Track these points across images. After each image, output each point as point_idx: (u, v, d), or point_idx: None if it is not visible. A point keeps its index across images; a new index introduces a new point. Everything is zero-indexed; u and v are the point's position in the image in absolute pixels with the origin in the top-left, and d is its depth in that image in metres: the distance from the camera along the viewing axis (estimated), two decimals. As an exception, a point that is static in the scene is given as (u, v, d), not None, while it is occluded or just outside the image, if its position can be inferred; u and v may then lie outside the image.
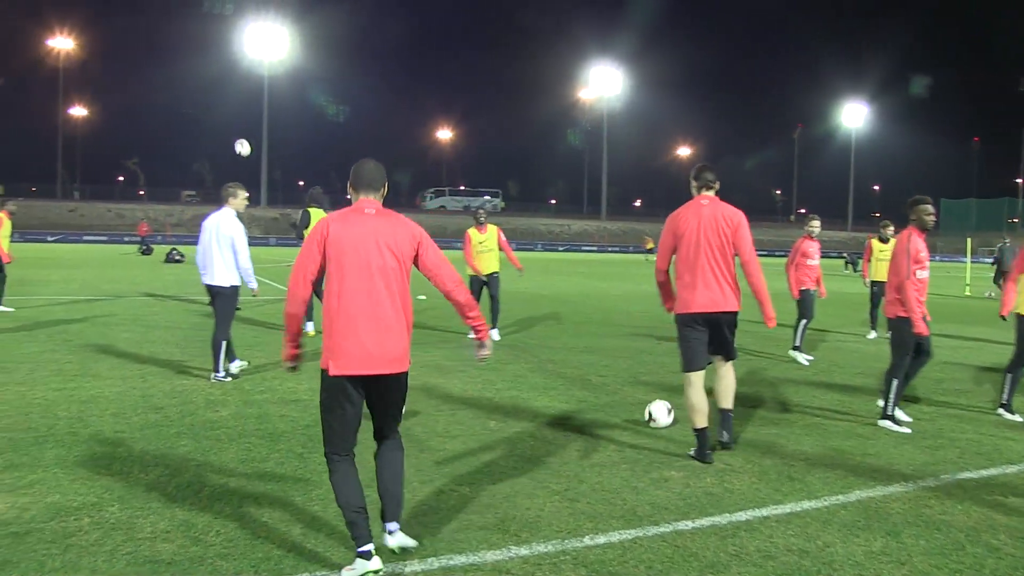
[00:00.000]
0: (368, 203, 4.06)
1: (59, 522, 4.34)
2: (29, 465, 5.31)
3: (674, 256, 6.14)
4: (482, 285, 11.85)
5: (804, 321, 10.91)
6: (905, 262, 6.87)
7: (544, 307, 17.19)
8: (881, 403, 7.23)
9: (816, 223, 11.43)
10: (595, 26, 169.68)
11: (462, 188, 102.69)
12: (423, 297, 15.35)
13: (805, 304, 10.97)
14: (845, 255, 50.45)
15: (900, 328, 7.00)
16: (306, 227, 11.72)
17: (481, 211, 12.16)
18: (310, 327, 11.29)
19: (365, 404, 4.02)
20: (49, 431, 6.15)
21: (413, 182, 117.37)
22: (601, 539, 4.32)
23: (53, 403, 7.08)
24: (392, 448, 4.19)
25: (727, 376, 6.27)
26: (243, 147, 11.99)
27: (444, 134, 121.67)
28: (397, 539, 4.10)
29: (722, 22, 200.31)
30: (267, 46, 79.25)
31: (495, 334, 11.81)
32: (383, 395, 4.03)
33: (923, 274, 6.97)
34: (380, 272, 3.89)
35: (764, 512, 4.81)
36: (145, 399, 7.33)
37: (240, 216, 8.49)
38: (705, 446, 5.90)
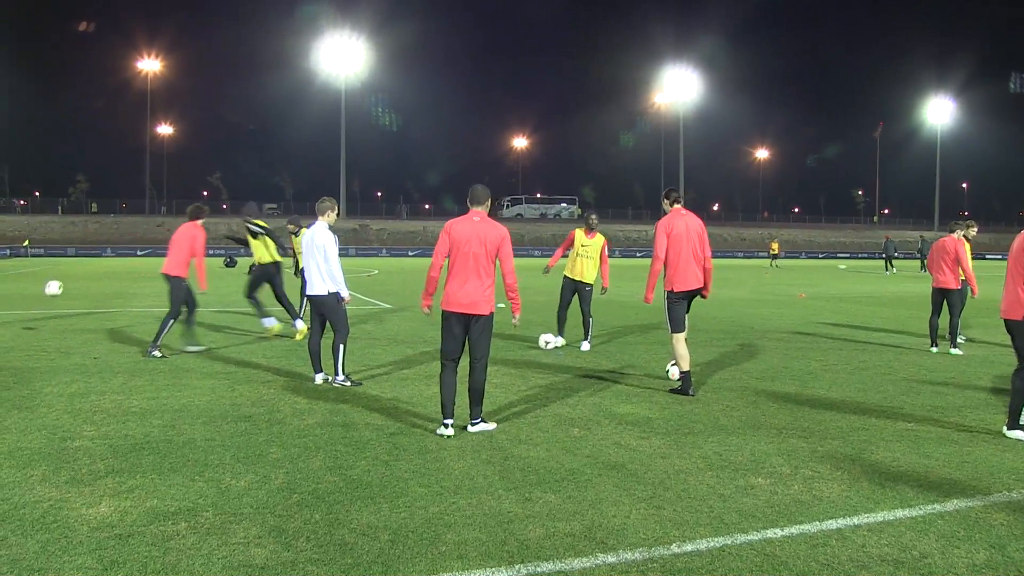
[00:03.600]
0: (475, 213, 6.68)
1: (158, 526, 4.49)
2: (128, 471, 5.52)
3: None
4: (573, 292, 11.69)
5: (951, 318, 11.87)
6: (1022, 264, 6.59)
7: (628, 315, 17.10)
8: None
9: (973, 230, 12.42)
10: (669, 29, 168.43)
11: (538, 196, 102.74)
12: (502, 305, 15.41)
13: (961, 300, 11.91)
14: (917, 254, 48.66)
15: (1022, 332, 6.65)
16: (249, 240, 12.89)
17: (593, 216, 11.85)
18: (271, 322, 12.95)
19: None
20: (145, 438, 6.39)
21: (491, 190, 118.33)
22: (689, 547, 4.27)
23: (148, 411, 7.35)
24: (478, 368, 6.63)
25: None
26: (51, 288, 14.05)
27: (520, 142, 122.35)
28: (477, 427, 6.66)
29: (798, 19, 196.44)
30: (343, 60, 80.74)
31: (585, 345, 11.69)
32: (471, 328, 6.55)
33: None
34: (474, 256, 6.51)
35: (855, 520, 4.69)
36: (234, 408, 7.55)
37: (332, 228, 8.81)
38: (689, 383, 8.37)
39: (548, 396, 8.23)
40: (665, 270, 8.43)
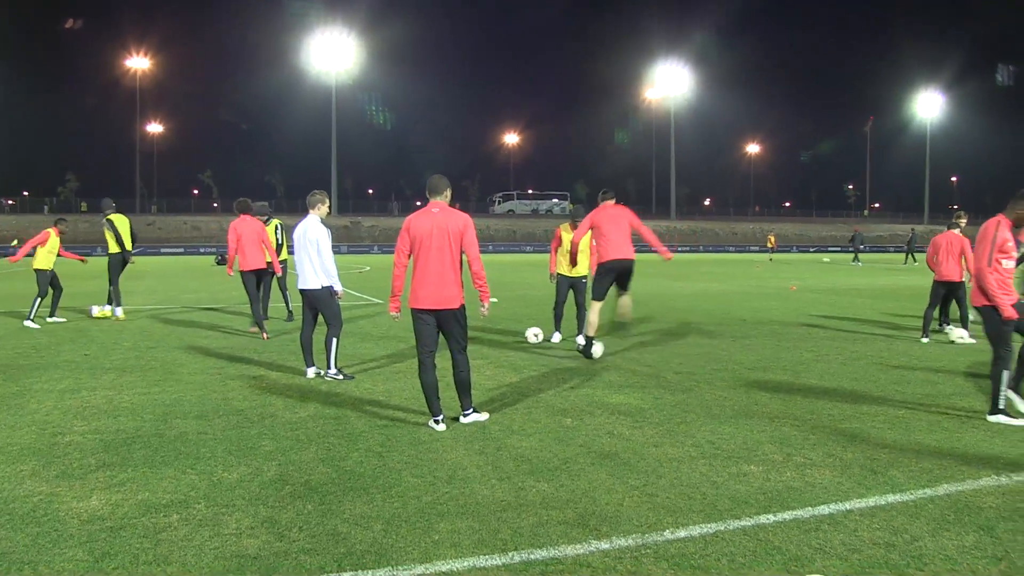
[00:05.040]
0: (435, 204, 6.47)
1: (150, 518, 4.48)
2: (120, 464, 5.50)
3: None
4: (569, 288, 11.72)
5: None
6: (988, 250, 6.69)
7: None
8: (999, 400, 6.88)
9: (963, 221, 12.47)
10: (660, 24, 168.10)
11: (530, 192, 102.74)
12: (495, 300, 15.48)
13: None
14: (904, 247, 48.98)
15: (990, 317, 6.79)
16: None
17: (579, 220, 11.93)
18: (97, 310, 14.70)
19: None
20: (136, 432, 6.37)
21: (482, 187, 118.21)
22: (682, 533, 4.28)
23: (139, 406, 7.33)
24: (460, 360, 6.54)
25: (625, 300, 10.72)
26: (96, 311, 14.86)
27: (511, 138, 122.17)
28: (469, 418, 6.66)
29: (788, 14, 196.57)
30: (334, 57, 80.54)
31: (580, 340, 11.59)
32: (443, 323, 6.47)
33: (1009, 264, 6.76)
34: (438, 249, 6.36)
35: (847, 506, 4.71)
36: (226, 402, 7.53)
37: (324, 221, 8.78)
38: (591, 346, 10.05)
39: (540, 387, 8.24)
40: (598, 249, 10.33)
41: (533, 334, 11.61)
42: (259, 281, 12.48)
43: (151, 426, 6.59)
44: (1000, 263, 6.71)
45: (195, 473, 5.32)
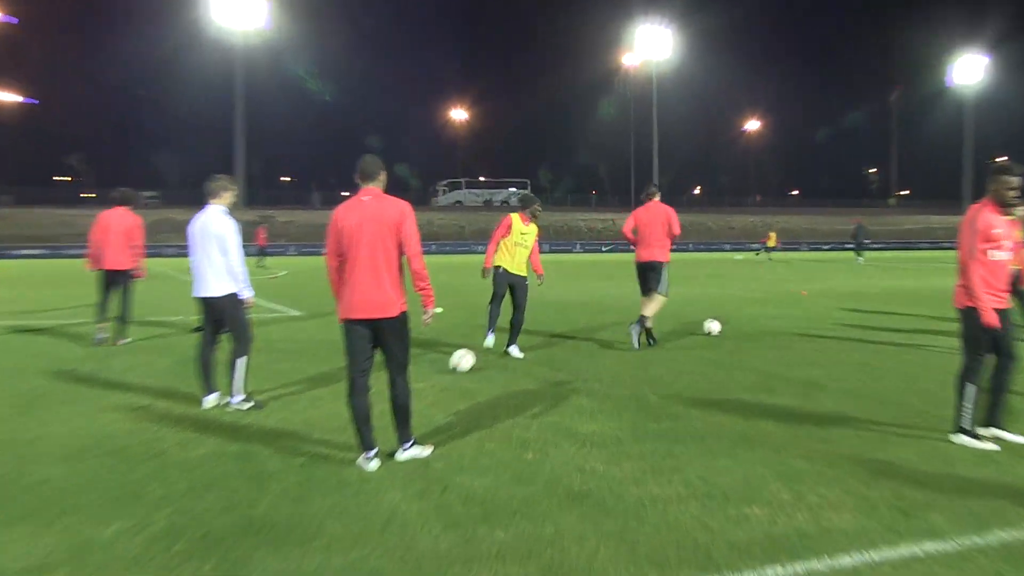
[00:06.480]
0: (366, 192, 6.53)
1: (0, 587, 4.38)
2: (-37, 519, 5.37)
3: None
4: (508, 285, 12.06)
5: None
6: (969, 239, 6.95)
7: (589, 317, 17.21)
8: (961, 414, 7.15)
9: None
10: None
11: (482, 180, 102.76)
12: (440, 309, 15.34)
13: None
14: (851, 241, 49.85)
15: (968, 318, 7.05)
16: None
17: (538, 206, 12.49)
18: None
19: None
20: (-14, 479, 6.23)
21: (423, 174, 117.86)
22: (670, 590, 4.28)
23: (-9, 446, 7.17)
24: (399, 381, 6.59)
25: (651, 301, 13.00)
26: None
27: (458, 114, 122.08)
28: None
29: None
30: (240, 13, 79.57)
31: (515, 351, 12.08)
32: (380, 335, 6.48)
33: (1000, 255, 6.98)
34: (370, 246, 6.34)
35: (874, 556, 4.75)
36: (103, 439, 7.40)
37: (230, 213, 8.69)
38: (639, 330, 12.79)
39: (494, 414, 8.25)
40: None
41: (454, 365, 10.82)
42: (112, 284, 13.29)
43: (1, 472, 6.45)
44: (985, 255, 6.94)
45: (58, 530, 5.21)
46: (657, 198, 13.27)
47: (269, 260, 46.01)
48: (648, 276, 12.98)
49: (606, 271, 37.08)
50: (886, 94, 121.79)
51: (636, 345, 12.64)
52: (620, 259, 54.26)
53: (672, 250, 13.27)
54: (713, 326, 14.33)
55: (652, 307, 12.91)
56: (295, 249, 68.03)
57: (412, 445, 6.72)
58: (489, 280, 12.15)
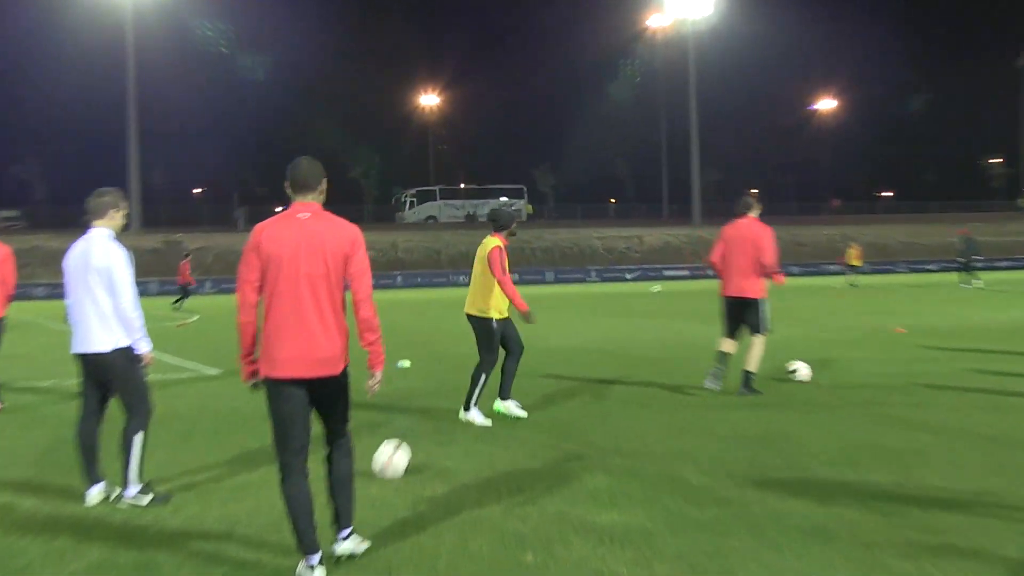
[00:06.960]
0: (302, 207, 6.45)
1: None
2: None
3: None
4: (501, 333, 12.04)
5: None
6: None
7: (604, 368, 17.27)
8: None
9: None
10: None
11: (463, 187, 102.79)
12: (407, 364, 15.35)
13: None
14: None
15: None
16: None
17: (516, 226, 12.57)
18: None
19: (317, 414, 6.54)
20: None
21: (383, 180, 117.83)
22: None
23: None
24: (341, 451, 6.69)
25: (752, 346, 13.66)
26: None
27: (429, 100, 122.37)
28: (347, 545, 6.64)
29: None
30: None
31: (512, 406, 12.11)
32: (319, 398, 6.46)
33: None
34: (308, 279, 6.22)
35: None
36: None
37: (119, 238, 8.64)
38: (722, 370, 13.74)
39: (481, 500, 8.28)
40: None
41: (384, 461, 8.16)
42: None
43: None
44: None
45: None
46: (753, 214, 13.75)
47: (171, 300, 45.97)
48: (736, 315, 13.78)
49: (627, 306, 37.11)
50: (1013, 57, 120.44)
51: (716, 386, 13.62)
52: (640, 289, 54.08)
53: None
54: (802, 369, 14.71)
55: (754, 356, 13.54)
56: (211, 285, 67.87)
57: (352, 534, 6.71)
58: (497, 326, 11.96)
